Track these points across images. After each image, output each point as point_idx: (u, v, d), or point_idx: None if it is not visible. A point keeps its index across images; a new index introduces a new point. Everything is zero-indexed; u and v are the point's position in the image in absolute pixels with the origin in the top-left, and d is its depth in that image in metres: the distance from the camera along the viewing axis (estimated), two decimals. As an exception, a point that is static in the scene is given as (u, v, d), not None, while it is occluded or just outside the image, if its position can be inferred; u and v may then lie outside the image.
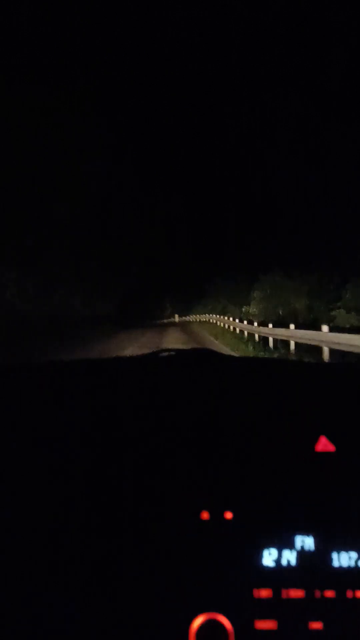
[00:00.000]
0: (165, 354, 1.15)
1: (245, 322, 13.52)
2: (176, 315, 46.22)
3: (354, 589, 0.65)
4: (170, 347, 1.21)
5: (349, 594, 0.65)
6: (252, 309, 17.29)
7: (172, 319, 47.73)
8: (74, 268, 21.06)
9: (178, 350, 1.15)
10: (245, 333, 12.81)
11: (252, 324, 12.02)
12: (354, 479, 0.73)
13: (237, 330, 14.28)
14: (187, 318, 41.41)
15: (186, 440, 0.77)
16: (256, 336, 11.40)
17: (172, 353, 1.14)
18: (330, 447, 0.77)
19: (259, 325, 11.39)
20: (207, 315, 29.81)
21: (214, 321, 22.99)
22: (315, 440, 0.77)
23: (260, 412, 0.83)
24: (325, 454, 0.76)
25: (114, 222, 25.07)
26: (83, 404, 0.87)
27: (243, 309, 18.57)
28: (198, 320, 31.81)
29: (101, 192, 21.44)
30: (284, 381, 0.98)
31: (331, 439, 0.78)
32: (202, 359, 1.13)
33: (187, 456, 0.75)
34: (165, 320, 48.82)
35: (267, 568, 0.66)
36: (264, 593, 0.65)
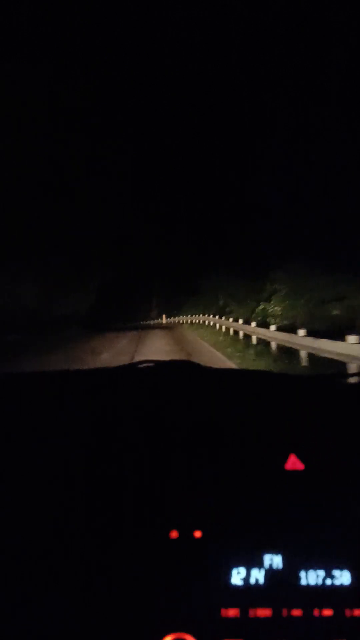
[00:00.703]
0: (144, 365, 1.14)
1: (269, 327, 9.72)
2: (163, 316, 42.46)
3: (320, 608, 0.66)
4: (150, 359, 1.21)
5: (316, 612, 0.66)
6: (273, 308, 14.23)
7: (158, 320, 43.21)
8: (35, 260, 19.52)
9: (157, 362, 1.15)
10: (273, 345, 8.97)
11: (289, 331, 8.14)
12: (322, 497, 0.74)
13: (254, 340, 10.63)
14: (177, 319, 37.31)
15: (156, 458, 0.78)
16: (302, 353, 7.13)
17: (151, 364, 1.14)
18: (300, 466, 0.78)
19: (291, 330, 7.85)
20: (200, 315, 26.34)
21: (211, 323, 19.70)
22: (285, 458, 0.78)
23: (232, 430, 0.83)
24: (295, 472, 0.77)
25: (82, 204, 23.27)
26: (52, 417, 0.86)
27: (259, 308, 15.09)
28: (190, 321, 28.52)
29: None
30: (258, 396, 0.98)
31: (300, 457, 0.78)
32: (179, 372, 1.13)
33: (156, 474, 0.76)
34: (150, 322, 44.18)
35: (236, 587, 0.67)
36: (232, 612, 0.66)
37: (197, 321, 25.57)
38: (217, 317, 18.86)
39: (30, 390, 0.99)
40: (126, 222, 32.82)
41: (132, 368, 1.13)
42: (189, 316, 30.23)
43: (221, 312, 20.45)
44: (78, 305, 26.43)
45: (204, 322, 21.98)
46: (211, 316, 21.05)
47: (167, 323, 36.88)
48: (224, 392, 1.00)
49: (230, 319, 14.72)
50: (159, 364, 1.14)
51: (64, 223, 20.07)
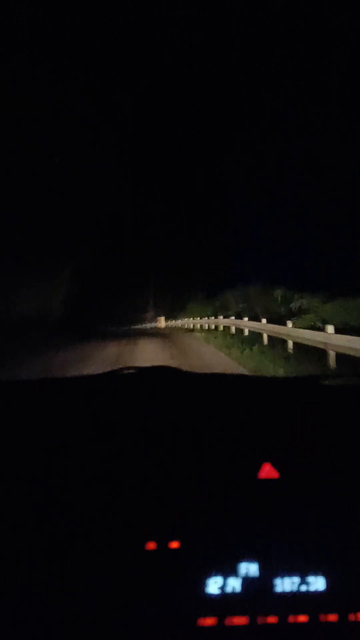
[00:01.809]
0: (125, 372, 1.19)
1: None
2: (162, 319, 34.51)
3: (296, 614, 0.69)
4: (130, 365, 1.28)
5: (291, 618, 0.69)
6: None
7: (155, 324, 35.99)
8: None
9: (138, 368, 1.20)
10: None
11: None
12: (296, 505, 0.77)
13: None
14: (180, 322, 30.39)
15: (133, 467, 0.81)
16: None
17: (132, 371, 1.19)
18: (274, 474, 0.80)
19: None
20: (211, 318, 20.40)
21: (227, 328, 15.18)
22: (259, 466, 0.81)
23: (207, 437, 0.87)
24: (269, 481, 0.80)
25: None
26: (31, 425, 0.88)
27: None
28: (199, 326, 21.73)
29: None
30: (234, 404, 1.01)
31: (275, 465, 0.81)
32: (160, 379, 1.17)
33: (132, 484, 0.79)
34: (146, 325, 37.42)
35: (212, 596, 0.71)
36: (209, 621, 0.69)
37: (208, 326, 19.72)
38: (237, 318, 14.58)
39: (6, 400, 1.01)
40: (116, 196, 26.97)
41: (112, 375, 1.19)
42: (198, 319, 23.92)
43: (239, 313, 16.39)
44: (47, 301, 19.36)
45: (225, 328, 16.15)
46: (231, 319, 15.68)
47: (166, 328, 30.02)
48: (201, 400, 1.04)
49: (264, 320, 11.05)
50: (140, 370, 1.19)
51: (34, 193, 18.13)
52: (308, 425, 0.89)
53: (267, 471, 0.80)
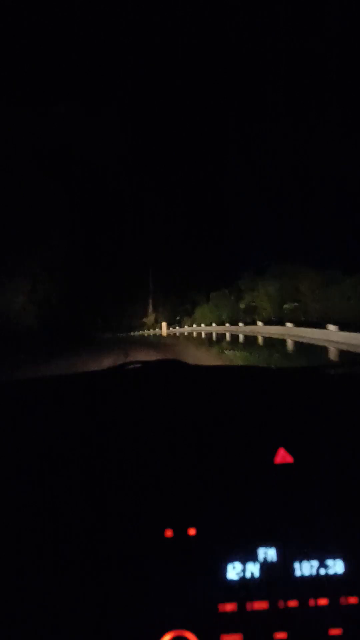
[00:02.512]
0: (132, 366, 1.21)
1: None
2: (164, 325, 29.03)
3: (316, 597, 0.71)
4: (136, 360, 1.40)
5: (311, 602, 0.71)
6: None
7: (156, 331, 31.62)
8: None
9: (144, 362, 1.23)
10: None
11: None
12: (312, 489, 0.79)
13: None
14: (186, 329, 23.93)
15: (146, 457, 0.83)
16: None
17: (138, 365, 1.21)
18: (289, 459, 0.82)
19: None
20: (228, 326, 14.66)
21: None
22: (274, 452, 0.82)
23: (220, 426, 0.89)
24: (284, 466, 0.81)
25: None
26: (42, 421, 0.90)
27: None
28: (212, 336, 15.69)
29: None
30: (245, 392, 1.03)
31: (289, 450, 0.82)
32: (167, 372, 1.19)
33: (148, 473, 0.81)
34: (144, 333, 32.52)
35: (232, 582, 0.72)
36: (229, 607, 0.70)
37: (232, 336, 13.81)
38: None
39: (19, 397, 1.04)
40: (108, 182, 23.71)
41: (120, 369, 1.21)
42: (213, 325, 17.56)
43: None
44: (9, 304, 15.37)
45: (249, 337, 11.39)
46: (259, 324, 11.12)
47: (169, 335, 25.67)
48: (211, 390, 1.06)
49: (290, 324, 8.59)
50: (146, 364, 1.22)
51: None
52: (320, 411, 0.93)
53: (282, 456, 0.82)
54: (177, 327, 27.67)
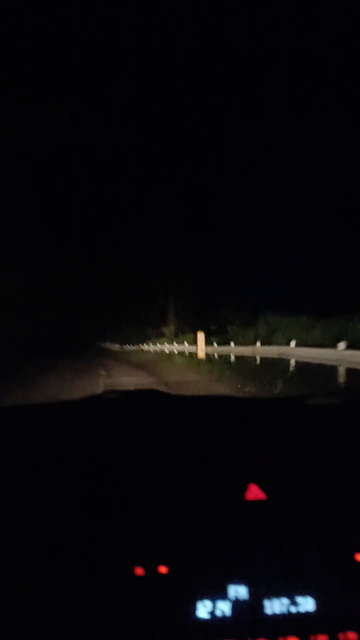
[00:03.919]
0: (109, 396, 1.19)
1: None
2: (200, 338, 14.67)
3: (285, 636, 0.71)
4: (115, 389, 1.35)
5: None
6: None
7: (179, 346, 18.66)
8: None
9: (122, 392, 1.21)
10: None
11: None
12: (284, 526, 0.79)
13: None
14: (253, 349, 11.18)
15: (117, 491, 0.82)
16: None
17: (116, 395, 1.19)
18: (261, 495, 0.81)
19: None
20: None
21: None
22: (245, 488, 0.82)
23: (194, 460, 0.88)
24: (256, 502, 0.81)
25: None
26: (21, 449, 0.89)
27: None
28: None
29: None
30: (220, 424, 1.03)
31: (262, 486, 0.82)
32: (144, 402, 1.16)
33: (119, 510, 0.80)
34: (163, 348, 20.86)
35: (202, 620, 0.72)
36: None
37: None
38: None
39: None
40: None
41: (98, 399, 1.19)
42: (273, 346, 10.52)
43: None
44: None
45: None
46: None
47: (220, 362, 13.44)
48: (186, 422, 1.04)
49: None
50: (124, 393, 1.19)
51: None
52: (294, 445, 0.92)
53: (254, 492, 0.81)
54: (217, 345, 13.90)
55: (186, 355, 15.55)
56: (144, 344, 25.28)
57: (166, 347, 20.05)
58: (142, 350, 24.05)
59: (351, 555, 0.77)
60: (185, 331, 21.71)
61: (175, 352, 17.51)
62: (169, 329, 25.74)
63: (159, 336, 26.03)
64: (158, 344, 22.89)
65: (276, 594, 0.73)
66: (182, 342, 17.77)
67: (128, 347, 28.01)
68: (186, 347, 16.65)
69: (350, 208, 13.92)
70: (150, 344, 24.18)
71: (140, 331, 28.76)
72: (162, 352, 19.71)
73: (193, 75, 23.59)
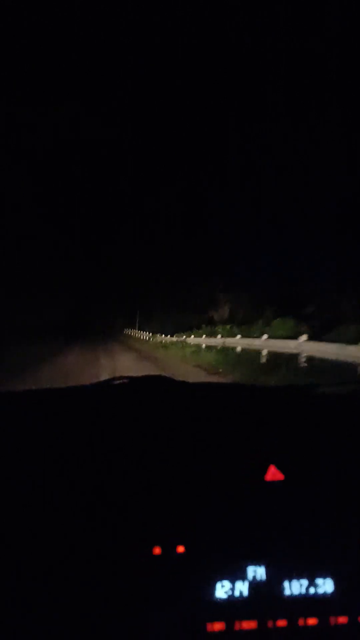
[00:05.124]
0: (118, 382, 1.21)
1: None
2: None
3: (305, 617, 0.70)
4: (123, 375, 1.30)
5: (301, 622, 0.70)
6: None
7: (244, 340, 11.48)
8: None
9: (131, 378, 1.22)
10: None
11: None
12: (302, 507, 0.79)
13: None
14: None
15: (137, 473, 0.82)
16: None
17: (125, 381, 1.21)
18: (279, 476, 0.81)
19: None
20: None
21: None
22: (264, 469, 0.81)
23: (211, 442, 0.88)
24: (275, 483, 0.81)
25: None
26: (30, 435, 0.89)
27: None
28: None
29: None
30: (235, 409, 1.03)
31: (280, 467, 0.82)
32: (154, 387, 1.20)
33: (137, 490, 0.80)
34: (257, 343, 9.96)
35: (220, 600, 0.71)
36: (217, 626, 0.69)
37: None
38: None
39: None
40: None
41: (106, 385, 1.20)
42: None
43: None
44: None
45: None
46: None
47: None
48: (200, 406, 1.05)
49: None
50: (133, 380, 1.20)
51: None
52: (310, 429, 0.92)
53: (273, 473, 0.81)
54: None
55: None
56: (186, 335, 18.13)
57: (235, 343, 11.54)
58: (188, 345, 15.79)
59: None
60: (240, 318, 16.08)
61: (264, 355, 9.25)
62: (219, 314, 19.76)
63: (208, 323, 19.45)
64: (211, 334, 15.49)
65: (295, 575, 0.72)
66: (260, 335, 10.48)
67: (167, 339, 20.21)
68: (252, 341, 10.44)
69: (351, 208, 13.94)
70: (195, 336, 17.09)
71: (186, 319, 21.91)
72: (234, 350, 11.32)
73: (193, 76, 23.81)
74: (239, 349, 11.08)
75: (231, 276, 18.91)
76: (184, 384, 1.21)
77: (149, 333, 28.46)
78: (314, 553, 0.74)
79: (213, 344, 13.65)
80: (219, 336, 13.88)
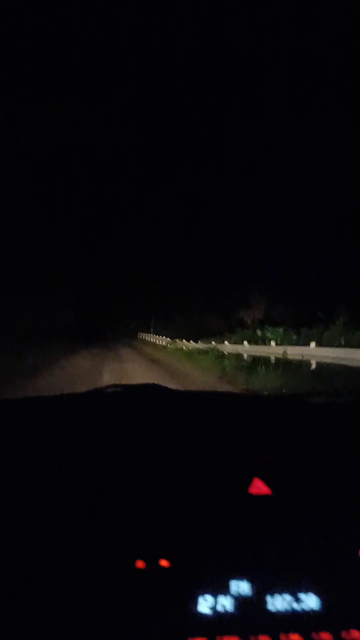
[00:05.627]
0: (110, 390, 1.19)
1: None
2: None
3: (288, 632, 0.69)
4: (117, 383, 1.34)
5: (283, 637, 0.69)
6: None
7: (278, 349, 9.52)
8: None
9: (124, 386, 1.22)
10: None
11: None
12: (287, 521, 0.78)
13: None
14: None
15: (120, 485, 0.82)
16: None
17: (117, 389, 1.19)
18: (265, 490, 0.81)
19: None
20: None
21: None
22: (249, 482, 0.81)
23: (197, 453, 0.87)
24: (259, 497, 0.80)
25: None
26: (20, 443, 0.88)
27: None
28: None
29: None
30: (226, 420, 1.02)
31: (266, 480, 0.81)
32: (145, 396, 1.18)
33: (121, 503, 0.79)
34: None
35: (203, 615, 0.71)
36: None
37: None
38: None
39: None
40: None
41: (99, 393, 1.18)
42: None
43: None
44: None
45: None
46: None
47: None
48: (188, 416, 1.04)
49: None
50: (125, 388, 1.19)
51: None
52: (297, 441, 0.90)
53: (258, 486, 0.81)
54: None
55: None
56: (215, 340, 15.00)
57: (308, 354, 8.34)
58: (223, 354, 12.56)
59: (355, 552, 0.76)
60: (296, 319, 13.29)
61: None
62: (248, 313, 16.73)
63: (237, 324, 16.66)
64: (252, 342, 12.26)
65: (279, 590, 0.72)
66: (307, 343, 8.89)
67: (189, 345, 16.99)
68: (280, 349, 9.02)
69: (351, 208, 14.14)
70: (229, 342, 13.91)
71: (210, 322, 18.93)
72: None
73: (193, 76, 23.84)
74: (313, 364, 7.82)
75: (262, 275, 16.72)
76: (175, 392, 1.20)
77: (166, 338, 25.34)
78: (299, 568, 0.73)
79: (263, 353, 10.02)
80: (273, 343, 10.52)
